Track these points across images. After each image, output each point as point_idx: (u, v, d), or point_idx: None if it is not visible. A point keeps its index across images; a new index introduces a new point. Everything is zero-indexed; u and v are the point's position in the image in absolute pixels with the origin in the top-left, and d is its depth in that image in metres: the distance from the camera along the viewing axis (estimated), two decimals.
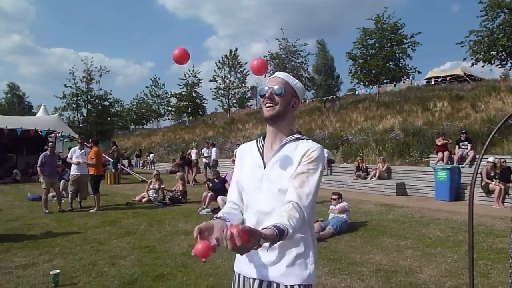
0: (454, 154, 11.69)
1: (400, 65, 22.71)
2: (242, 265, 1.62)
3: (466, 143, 11.61)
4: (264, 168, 1.57)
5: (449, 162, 11.48)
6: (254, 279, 1.57)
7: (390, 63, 22.57)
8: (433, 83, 24.13)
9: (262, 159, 1.60)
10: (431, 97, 20.10)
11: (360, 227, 6.75)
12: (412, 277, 4.17)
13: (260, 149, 1.64)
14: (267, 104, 1.58)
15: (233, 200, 1.68)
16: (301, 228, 1.46)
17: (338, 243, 5.70)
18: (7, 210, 8.50)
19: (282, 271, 1.51)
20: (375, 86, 24.14)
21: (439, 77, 29.02)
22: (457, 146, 11.72)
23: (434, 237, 6.01)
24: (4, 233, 6.30)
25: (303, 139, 1.60)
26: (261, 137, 1.70)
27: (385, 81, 23.54)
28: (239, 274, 1.64)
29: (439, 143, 12.05)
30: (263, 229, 1.23)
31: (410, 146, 14.25)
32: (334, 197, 6.88)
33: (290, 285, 1.51)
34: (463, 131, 12.15)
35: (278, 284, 1.52)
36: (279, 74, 1.65)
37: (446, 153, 11.76)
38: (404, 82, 24.37)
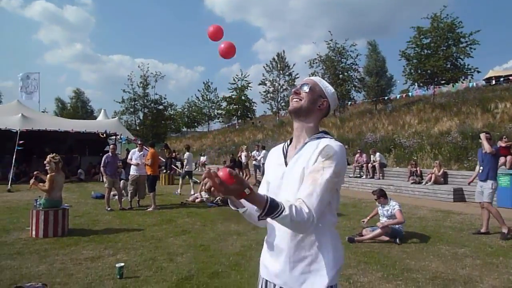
0: None
1: (459, 65, 21.61)
2: (264, 268, 1.63)
3: None
4: (286, 166, 1.58)
5: None
6: (274, 285, 1.56)
7: (448, 63, 21.55)
8: (494, 83, 22.71)
9: (285, 158, 1.62)
10: (492, 98, 18.95)
11: (415, 233, 6.55)
12: (472, 287, 4.01)
13: (285, 149, 1.67)
14: (293, 98, 1.63)
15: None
16: (315, 231, 1.46)
17: (391, 248, 5.59)
18: (74, 206, 9.19)
19: (297, 278, 1.49)
20: (430, 87, 23.17)
21: (501, 76, 27.25)
22: None
23: (496, 246, 5.70)
24: (73, 227, 6.85)
25: (325, 138, 1.57)
26: (289, 139, 1.72)
27: (441, 81, 22.50)
28: (263, 279, 1.64)
29: (502, 145, 11.34)
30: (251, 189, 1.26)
31: (469, 150, 13.53)
32: (375, 197, 6.29)
33: None
34: None
35: None
36: (311, 77, 1.71)
37: (509, 157, 11.01)
38: (462, 82, 23.13)
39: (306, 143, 1.58)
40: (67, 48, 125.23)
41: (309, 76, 1.77)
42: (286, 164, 1.60)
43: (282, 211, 1.29)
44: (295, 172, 1.52)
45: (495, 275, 4.35)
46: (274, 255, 1.57)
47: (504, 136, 11.76)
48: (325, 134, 1.61)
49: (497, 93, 20.78)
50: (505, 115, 15.96)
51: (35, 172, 6.70)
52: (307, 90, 1.61)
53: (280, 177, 1.59)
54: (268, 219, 1.44)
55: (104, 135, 17.56)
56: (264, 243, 1.68)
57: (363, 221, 6.84)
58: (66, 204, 7.22)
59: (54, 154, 6.67)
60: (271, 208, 1.28)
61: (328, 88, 1.67)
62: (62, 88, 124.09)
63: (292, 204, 1.33)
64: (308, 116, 1.62)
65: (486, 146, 6.49)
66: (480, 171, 6.68)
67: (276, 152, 1.73)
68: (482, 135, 6.72)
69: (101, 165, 9.32)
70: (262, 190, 1.68)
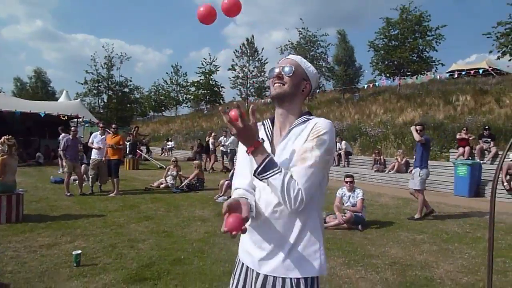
0: (475, 149, 11.45)
1: (424, 57, 22.20)
2: (246, 255, 1.55)
3: (488, 139, 11.35)
4: (274, 155, 1.47)
5: (470, 158, 11.26)
6: (258, 273, 1.47)
7: (413, 55, 22.09)
8: (456, 76, 23.52)
9: (271, 145, 1.53)
10: (454, 91, 19.67)
11: (376, 220, 6.72)
12: (428, 272, 4.15)
13: (269, 134, 1.56)
14: (275, 83, 1.52)
15: (244, 187, 1.56)
16: (301, 216, 1.40)
17: (353, 235, 5.70)
18: (31, 191, 8.77)
19: (288, 265, 1.41)
20: (396, 78, 23.73)
21: (463, 70, 28.25)
22: (479, 141, 11.47)
23: (452, 232, 5.94)
24: (28, 213, 6.52)
25: (312, 118, 1.51)
26: (269, 120, 1.61)
27: (407, 73, 23.09)
28: (243, 264, 1.57)
29: (461, 137, 11.82)
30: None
31: (430, 140, 13.97)
32: (348, 179, 6.40)
33: (296, 278, 1.40)
34: (486, 126, 11.88)
35: (283, 279, 1.41)
36: (292, 56, 1.59)
37: (467, 148, 11.53)
38: (426, 74, 23.83)
39: (291, 128, 1.49)
40: (27, 24, 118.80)
41: (279, 62, 1.67)
42: (273, 152, 1.50)
43: (278, 172, 1.30)
44: (284, 161, 1.43)
45: (450, 261, 4.53)
46: (260, 241, 1.47)
47: (464, 128, 12.26)
48: (309, 115, 1.54)
49: (459, 86, 21.56)
50: (465, 108, 16.62)
51: None
52: (290, 74, 1.50)
53: None
54: (257, 190, 1.50)
55: (65, 117, 16.83)
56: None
57: (323, 215, 6.70)
58: (21, 189, 6.87)
59: (9, 136, 6.29)
60: (269, 164, 1.28)
61: (310, 68, 1.58)
62: (21, 66, 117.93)
63: (289, 172, 1.33)
64: (291, 101, 1.53)
65: (415, 135, 6.95)
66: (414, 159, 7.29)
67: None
68: (412, 127, 7.20)
69: (61, 149, 8.91)
70: (242, 176, 1.59)
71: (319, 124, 1.43)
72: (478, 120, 14.25)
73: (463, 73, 22.99)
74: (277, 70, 1.52)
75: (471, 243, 5.28)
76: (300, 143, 1.43)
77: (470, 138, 11.69)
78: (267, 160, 1.31)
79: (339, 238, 5.47)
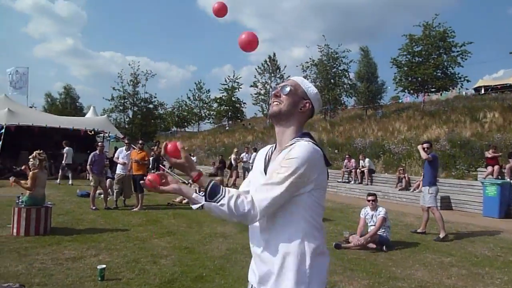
0: (505, 168, 11.07)
1: (449, 73, 21.83)
2: (252, 275, 1.57)
3: None
4: (265, 174, 1.51)
5: (499, 177, 10.88)
6: None
7: (438, 71, 21.76)
8: (483, 92, 23.00)
9: (265, 166, 1.56)
10: (481, 107, 19.17)
11: (401, 240, 6.55)
12: None
13: (268, 155, 1.59)
14: (273, 102, 1.55)
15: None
16: (280, 237, 1.40)
17: (378, 256, 5.56)
18: (58, 204, 8.99)
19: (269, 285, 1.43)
20: (420, 94, 23.37)
21: (490, 86, 27.63)
22: (509, 160, 11.08)
23: (482, 256, 5.72)
24: (56, 226, 6.69)
25: (300, 141, 1.45)
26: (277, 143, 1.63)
27: (431, 89, 22.71)
28: (251, 285, 1.59)
29: (489, 156, 11.46)
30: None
31: (457, 158, 13.65)
32: (370, 198, 6.21)
33: None
34: None
35: None
36: (293, 77, 1.63)
37: (496, 167, 11.15)
38: (452, 91, 23.39)
39: (283, 149, 1.47)
40: (58, 42, 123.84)
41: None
42: (265, 172, 1.53)
43: (221, 198, 1.31)
44: None
45: (480, 286, 4.35)
46: (254, 266, 1.55)
47: (492, 146, 11.89)
48: (304, 136, 1.50)
49: (486, 102, 21.03)
50: (493, 125, 16.14)
51: (22, 167, 6.57)
52: (287, 93, 1.52)
53: (258, 183, 1.50)
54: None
55: (92, 132, 17.32)
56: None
57: (346, 234, 6.38)
58: (49, 202, 7.05)
59: (41, 150, 6.53)
60: (212, 192, 1.32)
61: (310, 88, 1.57)
62: (52, 82, 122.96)
63: (234, 195, 1.32)
64: (288, 120, 1.53)
65: (422, 154, 7.10)
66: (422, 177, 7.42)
67: (260, 156, 1.65)
68: (419, 146, 7.32)
69: (88, 163, 9.15)
70: (245, 187, 1.67)
71: (294, 150, 1.39)
72: (508, 138, 13.79)
73: (490, 89, 22.47)
74: (275, 90, 1.57)
75: (502, 268, 5.07)
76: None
77: (498, 157, 11.32)
78: (209, 187, 1.34)
79: (362, 259, 5.35)
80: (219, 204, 1.31)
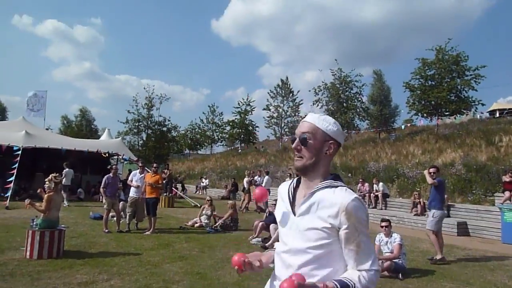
0: None
1: (463, 97, 21.69)
2: None
3: None
4: (294, 215, 1.49)
5: None
6: None
7: (452, 94, 21.65)
8: (498, 115, 22.72)
9: (291, 205, 1.53)
10: (496, 131, 18.90)
11: (417, 268, 6.38)
12: None
13: (291, 194, 1.56)
14: (296, 156, 1.52)
15: None
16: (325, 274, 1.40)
17: (393, 284, 5.42)
18: (72, 227, 9.05)
19: None
20: (434, 117, 23.20)
21: (505, 109, 27.29)
22: None
23: (501, 284, 5.53)
24: (68, 249, 6.72)
25: (336, 186, 1.45)
26: (296, 178, 1.62)
27: (445, 113, 22.54)
28: None
29: (506, 180, 11.21)
30: (326, 284, 1.27)
31: (473, 183, 13.39)
32: (383, 224, 6.16)
33: None
34: None
35: None
36: (308, 118, 1.55)
37: None
38: (466, 115, 23.16)
39: (314, 192, 1.46)
40: (76, 65, 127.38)
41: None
42: (294, 212, 1.51)
43: (353, 286, 1.32)
44: (303, 224, 1.44)
45: None
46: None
47: (509, 170, 11.65)
48: (335, 180, 1.49)
49: (501, 125, 20.76)
50: (509, 149, 15.85)
51: (38, 191, 6.66)
52: (306, 145, 1.48)
53: (289, 226, 1.51)
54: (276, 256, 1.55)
55: (107, 154, 17.55)
56: (271, 281, 1.61)
57: None
58: (63, 225, 7.11)
59: (57, 174, 6.64)
60: None
61: (330, 126, 1.50)
62: (68, 105, 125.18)
63: (359, 275, 1.36)
64: (315, 169, 1.50)
65: (428, 179, 7.22)
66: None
67: (285, 192, 1.61)
68: (425, 171, 7.44)
69: (102, 186, 9.24)
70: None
71: (353, 207, 1.38)
72: None
73: (505, 112, 22.18)
74: (294, 143, 1.51)
75: None
76: (325, 213, 1.41)
77: None
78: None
79: (378, 287, 5.21)
80: None
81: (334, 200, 1.41)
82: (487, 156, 15.66)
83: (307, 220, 1.44)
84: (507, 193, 11.07)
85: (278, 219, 1.61)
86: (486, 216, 11.02)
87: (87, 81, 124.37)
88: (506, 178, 11.28)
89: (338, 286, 1.28)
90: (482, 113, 25.51)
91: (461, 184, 13.60)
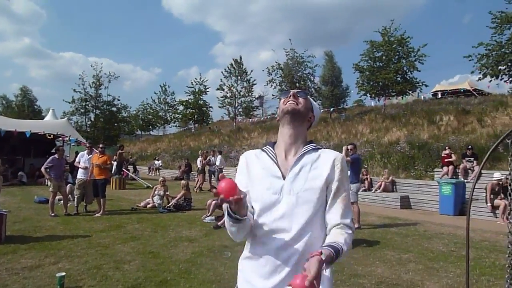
0: (459, 168, 11.68)
1: (408, 78, 22.73)
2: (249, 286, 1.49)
3: (471, 158, 11.60)
4: (284, 179, 1.48)
5: (454, 177, 11.47)
6: None
7: (398, 76, 22.61)
8: (439, 96, 24.09)
9: (279, 169, 1.50)
10: (438, 111, 20.09)
11: (363, 239, 6.76)
12: None
13: (273, 159, 1.53)
14: (289, 101, 1.57)
15: None
16: (316, 244, 1.42)
17: None
18: (14, 212, 8.60)
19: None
20: (381, 98, 24.17)
21: (446, 90, 28.96)
22: (462, 160, 11.71)
23: (437, 251, 6.01)
24: (11, 234, 6.39)
25: (321, 148, 1.56)
26: (268, 147, 1.59)
27: (392, 93, 23.56)
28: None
29: (444, 155, 12.07)
30: (321, 251, 1.23)
31: (415, 159, 14.23)
32: None
33: None
34: (469, 146, 12.12)
35: None
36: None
37: (451, 167, 11.76)
38: (412, 95, 24.32)
39: (304, 153, 1.51)
40: (14, 41, 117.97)
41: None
42: (283, 176, 1.49)
43: (342, 249, 1.35)
44: (298, 186, 1.45)
45: (435, 279, 4.58)
46: (268, 273, 1.43)
47: (447, 147, 12.51)
48: (314, 143, 1.59)
49: (443, 106, 22.04)
50: (449, 127, 16.95)
51: None
52: (304, 98, 1.62)
53: (277, 191, 1.46)
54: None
55: (51, 136, 16.65)
56: (248, 259, 1.52)
57: None
58: (3, 210, 6.73)
59: None
60: (337, 257, 1.31)
61: (315, 105, 1.68)
62: (7, 83, 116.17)
63: (344, 237, 1.40)
64: (302, 123, 1.58)
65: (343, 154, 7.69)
66: None
67: (256, 160, 1.58)
68: (344, 147, 7.81)
69: (44, 167, 8.70)
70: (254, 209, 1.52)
71: (339, 160, 1.52)
72: (461, 139, 14.56)
73: (446, 93, 23.58)
74: (294, 90, 1.64)
75: (456, 262, 5.35)
76: (318, 173, 1.47)
77: (453, 157, 11.92)
78: (334, 258, 1.30)
79: None
80: (343, 255, 1.35)
81: (327, 157, 1.52)
82: (428, 134, 16.66)
83: (301, 182, 1.46)
84: (445, 168, 11.92)
85: (256, 188, 1.52)
86: (426, 190, 11.82)
87: (27, 58, 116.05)
88: (444, 155, 12.13)
89: (334, 253, 1.29)
90: (426, 93, 26.94)
91: (404, 161, 14.42)
